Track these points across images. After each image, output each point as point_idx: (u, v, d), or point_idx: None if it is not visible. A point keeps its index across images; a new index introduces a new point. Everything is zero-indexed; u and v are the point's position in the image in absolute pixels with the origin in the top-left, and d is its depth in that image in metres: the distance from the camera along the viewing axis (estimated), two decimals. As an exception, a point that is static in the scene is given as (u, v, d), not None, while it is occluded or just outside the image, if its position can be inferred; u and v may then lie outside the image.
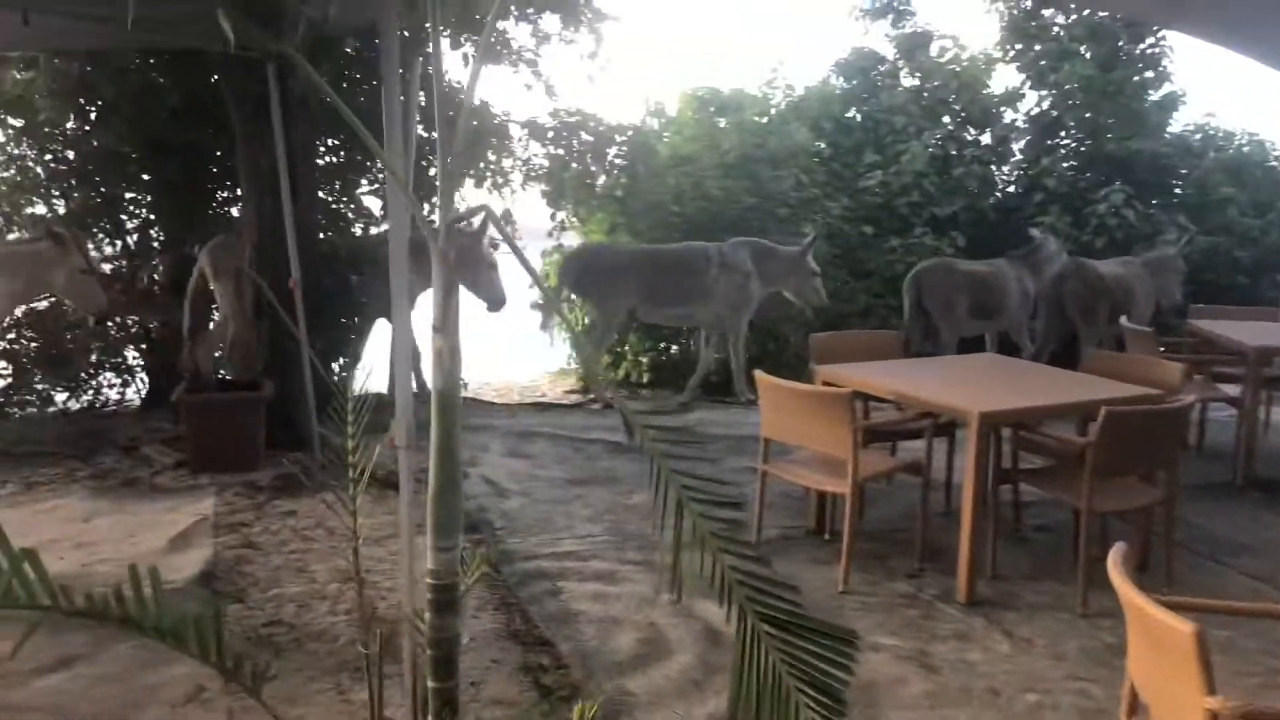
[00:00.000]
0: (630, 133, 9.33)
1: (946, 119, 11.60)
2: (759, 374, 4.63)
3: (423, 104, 4.07)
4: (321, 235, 7.19)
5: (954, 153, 11.19)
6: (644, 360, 9.72)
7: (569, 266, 8.42)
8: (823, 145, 11.24)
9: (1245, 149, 11.71)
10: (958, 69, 11.83)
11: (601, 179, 9.42)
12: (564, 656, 3.69)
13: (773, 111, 11.44)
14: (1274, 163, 11.67)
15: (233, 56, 5.64)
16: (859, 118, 11.68)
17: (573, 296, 8.69)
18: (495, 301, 7.49)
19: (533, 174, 9.28)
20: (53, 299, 7.05)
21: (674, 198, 9.70)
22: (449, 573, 2.25)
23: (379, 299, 7.06)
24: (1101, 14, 10.77)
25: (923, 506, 4.62)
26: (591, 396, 8.43)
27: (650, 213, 9.53)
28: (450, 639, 2.27)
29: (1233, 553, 4.96)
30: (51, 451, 6.29)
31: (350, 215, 8.66)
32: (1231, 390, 6.38)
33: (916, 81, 11.85)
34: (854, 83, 11.85)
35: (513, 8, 8.82)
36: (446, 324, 2.21)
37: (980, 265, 8.58)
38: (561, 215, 9.62)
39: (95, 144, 7.71)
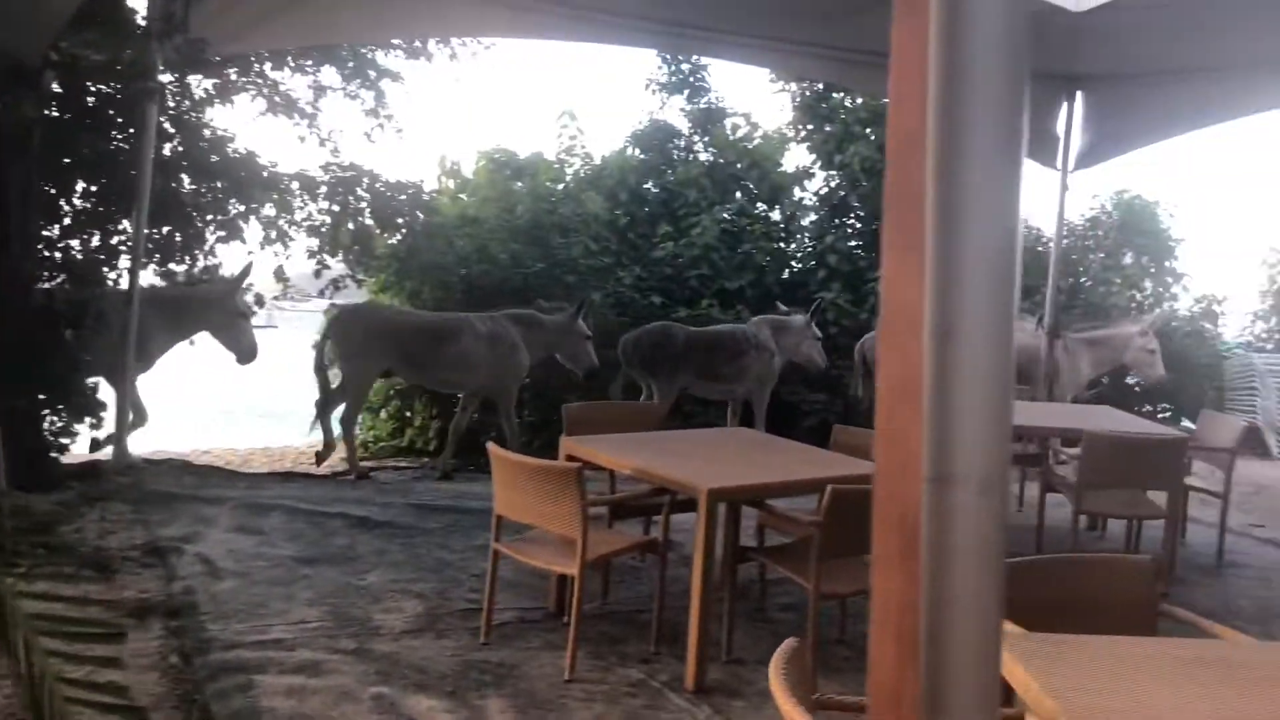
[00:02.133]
0: (412, 190, 9.05)
1: (739, 194, 11.79)
2: (491, 446, 4.37)
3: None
4: (48, 286, 6.56)
5: (745, 228, 11.36)
6: (433, 425, 9.34)
7: (333, 326, 8.02)
8: (619, 214, 11.24)
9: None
10: (750, 146, 12.07)
11: (392, 239, 9.12)
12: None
13: (569, 178, 11.39)
14: (1042, 248, 12.32)
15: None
16: (654, 189, 11.74)
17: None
18: (244, 353, 7.14)
19: (313, 229, 8.88)
20: None
21: (459, 260, 9.45)
22: None
23: (101, 355, 6.53)
24: (885, 99, 11.19)
25: (660, 586, 4.42)
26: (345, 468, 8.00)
27: (431, 274, 9.23)
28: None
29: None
30: None
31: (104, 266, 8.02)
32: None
33: (711, 156, 12.03)
34: (650, 154, 11.94)
35: (289, 59, 8.49)
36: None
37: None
38: (337, 273, 9.22)
39: None
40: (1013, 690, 2.43)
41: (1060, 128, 8.06)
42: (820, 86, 11.93)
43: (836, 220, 11.83)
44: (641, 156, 11.96)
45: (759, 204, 11.92)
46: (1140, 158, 12.30)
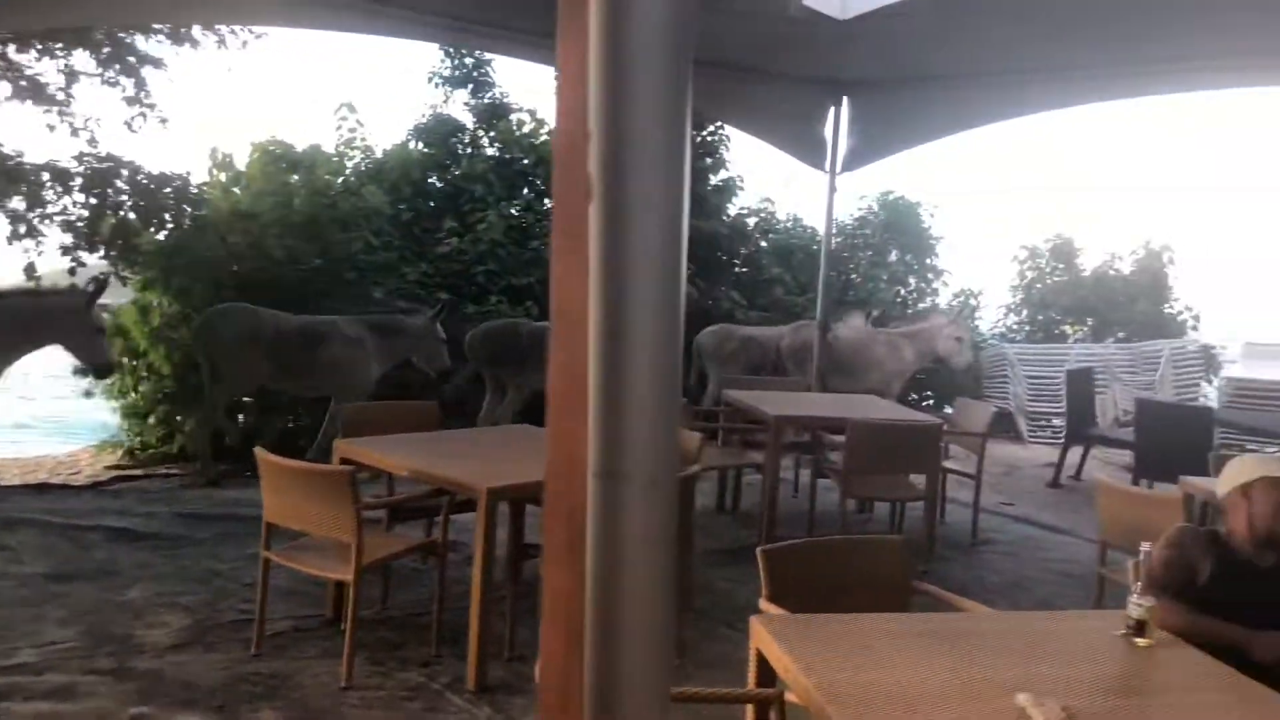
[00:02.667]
0: (178, 183, 8.58)
1: (526, 190, 11.77)
2: (258, 451, 4.21)
3: None
4: None
5: (533, 224, 11.34)
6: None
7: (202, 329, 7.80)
8: (403, 208, 11.00)
9: (792, 234, 12.85)
10: (537, 142, 12.07)
11: (158, 233, 8.62)
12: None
13: (349, 172, 11.06)
14: (815, 247, 12.88)
15: None
16: (439, 184, 11.57)
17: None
18: (99, 368, 7.08)
19: (68, 224, 8.29)
20: None
21: (232, 256, 9.02)
22: None
23: None
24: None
25: (439, 587, 4.38)
26: (114, 476, 7.53)
27: (201, 270, 8.77)
28: None
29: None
30: None
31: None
32: (759, 457, 6.75)
33: (497, 151, 11.95)
34: (434, 148, 11.75)
35: (35, 42, 7.90)
36: None
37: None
38: (99, 270, 8.64)
39: None
40: (774, 670, 2.55)
41: (828, 132, 8.42)
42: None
43: (622, 218, 11.98)
44: (425, 150, 11.75)
45: (547, 200, 11.93)
46: (905, 160, 13.02)
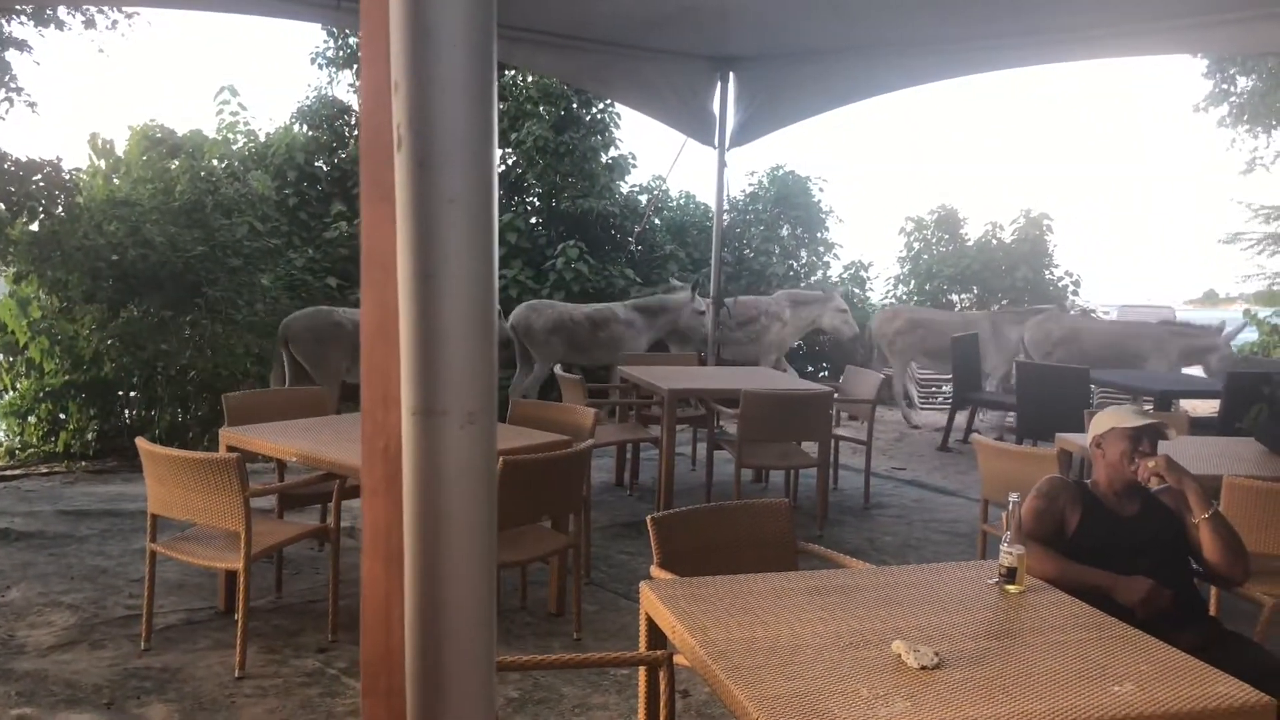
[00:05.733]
0: (48, 170, 8.26)
1: (416, 172, 11.62)
2: (140, 441, 4.10)
3: None
4: None
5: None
6: (91, 427, 8.60)
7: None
8: (288, 193, 10.79)
9: (686, 210, 12.95)
10: (425, 123, 11.91)
11: (30, 223, 8.28)
12: None
13: (232, 156, 10.78)
14: (709, 223, 13.01)
15: None
16: (325, 167, 11.36)
17: None
18: None
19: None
20: None
21: (110, 245, 8.73)
22: None
23: None
24: (553, 77, 11.39)
25: (333, 573, 4.33)
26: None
27: (77, 260, 8.47)
28: None
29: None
30: None
31: None
32: (657, 431, 6.81)
33: (385, 133, 11.77)
34: (319, 131, 11.53)
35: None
36: None
37: None
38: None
39: None
40: (664, 634, 2.60)
41: (716, 107, 8.51)
42: (492, 64, 11.94)
43: (515, 198, 11.93)
44: (310, 134, 11.52)
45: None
46: (794, 135, 13.23)
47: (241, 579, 3.91)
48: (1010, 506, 2.84)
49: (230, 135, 10.98)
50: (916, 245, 14.07)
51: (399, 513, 0.78)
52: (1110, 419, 3.25)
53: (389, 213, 0.74)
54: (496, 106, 0.77)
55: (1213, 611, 3.62)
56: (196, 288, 8.59)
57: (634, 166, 12.61)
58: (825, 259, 13.80)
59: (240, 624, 3.93)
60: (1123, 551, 3.10)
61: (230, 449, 4.39)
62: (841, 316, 10.10)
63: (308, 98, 11.78)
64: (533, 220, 11.64)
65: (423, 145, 0.73)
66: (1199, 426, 6.28)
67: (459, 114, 0.74)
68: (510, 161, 12.02)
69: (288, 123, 11.58)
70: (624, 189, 12.59)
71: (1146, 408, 7.48)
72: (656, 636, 2.64)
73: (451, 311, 0.73)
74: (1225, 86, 14.56)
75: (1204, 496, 3.09)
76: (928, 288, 13.83)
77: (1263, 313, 12.94)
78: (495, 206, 0.77)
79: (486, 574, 0.78)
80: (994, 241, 13.64)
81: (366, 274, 0.89)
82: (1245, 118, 14.65)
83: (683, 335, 9.40)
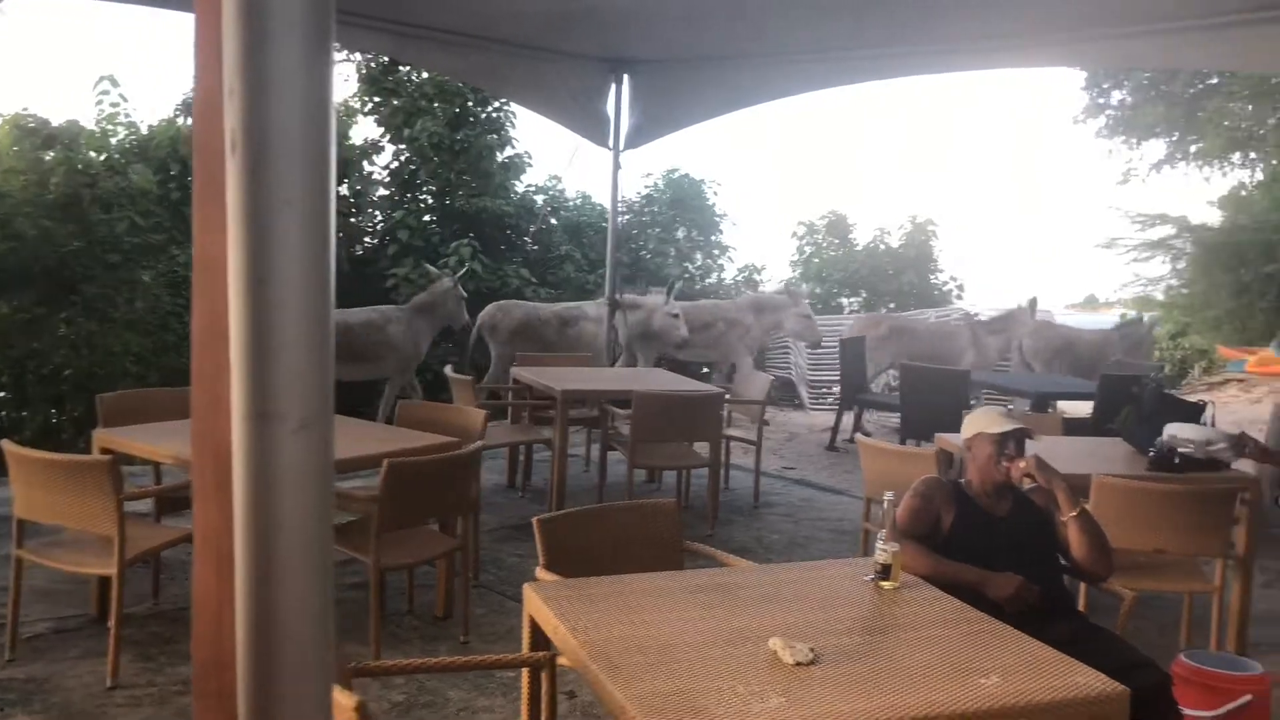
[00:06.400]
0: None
1: (307, 168, 11.39)
2: (5, 443, 3.94)
3: None
4: None
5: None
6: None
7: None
8: (172, 187, 10.45)
9: (582, 211, 12.96)
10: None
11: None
12: None
13: (112, 149, 10.41)
14: (605, 224, 13.04)
15: None
16: (211, 161, 11.05)
17: None
18: None
19: None
20: None
21: (-23, 239, 8.36)
22: None
23: None
24: (447, 75, 11.28)
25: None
26: None
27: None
28: None
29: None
30: None
31: None
32: (550, 433, 6.80)
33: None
34: (205, 124, 11.20)
35: None
36: None
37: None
38: None
39: None
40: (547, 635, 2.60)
41: (611, 109, 8.53)
42: (386, 59, 11.79)
43: (408, 195, 11.79)
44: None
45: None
46: (688, 139, 13.36)
47: (115, 586, 3.79)
48: (886, 505, 2.92)
49: (110, 127, 10.60)
50: (808, 249, 14.34)
51: (229, 518, 0.78)
52: (977, 423, 3.35)
53: (219, 214, 0.74)
54: (335, 108, 0.77)
55: (1081, 607, 3.77)
56: (72, 284, 8.28)
57: (530, 166, 12.58)
58: (720, 261, 13.96)
59: (113, 631, 3.81)
60: (994, 549, 3.20)
61: (104, 451, 4.24)
62: (805, 322, 10.14)
63: (192, 89, 11.43)
64: (425, 218, 11.51)
65: (256, 149, 0.73)
66: (1073, 427, 6.52)
67: (294, 117, 0.74)
68: (403, 158, 11.87)
69: (171, 115, 11.23)
70: (520, 188, 12.54)
71: (1012, 409, 7.72)
72: (541, 638, 2.65)
73: (285, 316, 0.72)
74: (1101, 100, 15.20)
75: (1071, 495, 3.22)
76: (818, 291, 14.09)
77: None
78: (333, 210, 0.77)
79: (321, 580, 0.78)
80: (882, 247, 13.98)
81: (197, 276, 0.88)
82: (1120, 130, 15.31)
83: (654, 337, 9.22)
